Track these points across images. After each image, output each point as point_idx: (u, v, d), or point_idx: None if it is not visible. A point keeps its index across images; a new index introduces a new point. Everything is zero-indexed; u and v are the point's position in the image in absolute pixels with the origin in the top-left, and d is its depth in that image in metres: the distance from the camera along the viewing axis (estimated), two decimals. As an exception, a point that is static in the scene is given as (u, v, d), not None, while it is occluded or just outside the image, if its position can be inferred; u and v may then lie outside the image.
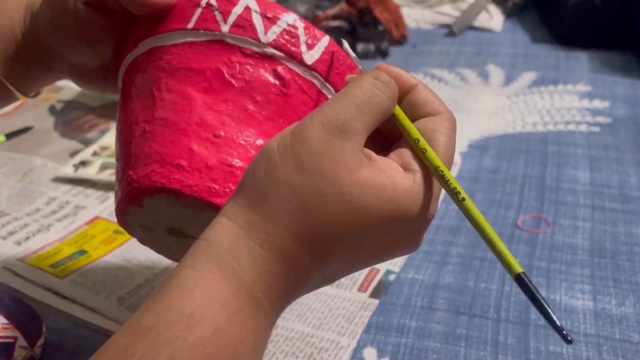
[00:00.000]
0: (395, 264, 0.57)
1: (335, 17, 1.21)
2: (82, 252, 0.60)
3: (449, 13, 1.31)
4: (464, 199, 0.29)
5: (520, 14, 1.33)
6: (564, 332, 0.24)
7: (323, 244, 0.29)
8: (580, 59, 1.08)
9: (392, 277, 0.56)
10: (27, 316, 0.47)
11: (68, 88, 0.98)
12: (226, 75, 0.35)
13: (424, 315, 0.52)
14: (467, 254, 0.59)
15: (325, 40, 0.36)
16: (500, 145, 0.80)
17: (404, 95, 0.32)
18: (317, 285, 0.32)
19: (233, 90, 0.35)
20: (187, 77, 0.35)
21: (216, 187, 0.34)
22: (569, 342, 0.24)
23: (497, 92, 0.96)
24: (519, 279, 0.26)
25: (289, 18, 0.36)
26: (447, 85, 0.99)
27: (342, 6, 1.26)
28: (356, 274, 0.56)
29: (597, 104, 0.91)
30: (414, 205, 0.29)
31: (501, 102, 0.92)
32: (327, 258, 0.29)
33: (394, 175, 0.29)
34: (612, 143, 0.79)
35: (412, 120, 0.32)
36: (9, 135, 0.85)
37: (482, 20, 1.27)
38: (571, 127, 0.84)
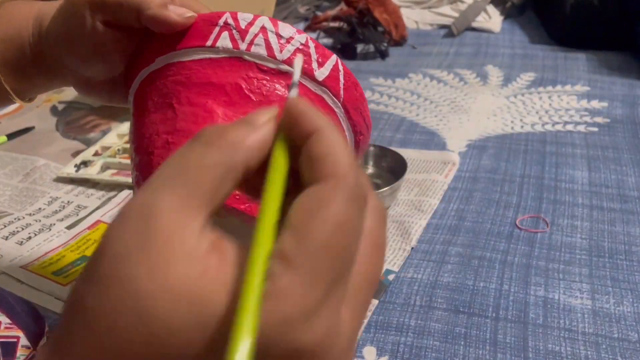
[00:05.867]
0: (394, 264, 0.58)
1: (335, 18, 1.21)
2: (85, 259, 0.60)
3: (448, 14, 1.31)
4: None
5: (519, 14, 1.34)
6: None
7: None
8: (579, 60, 1.08)
9: (391, 277, 0.56)
10: (29, 316, 0.47)
11: (69, 89, 0.99)
12: (245, 90, 0.37)
13: (423, 314, 0.52)
14: (465, 253, 0.59)
15: (334, 58, 0.39)
16: (499, 145, 0.80)
17: (303, 142, 0.22)
18: None
19: (252, 103, 0.37)
20: (207, 91, 0.37)
21: (238, 193, 0.34)
22: None
23: (495, 93, 0.96)
24: None
25: (301, 38, 0.38)
26: (446, 86, 1.00)
27: (341, 7, 1.27)
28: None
29: (595, 104, 0.91)
30: (214, 294, 0.19)
31: (500, 102, 0.93)
32: None
33: (224, 278, 0.20)
34: (610, 143, 0.80)
35: (309, 183, 0.21)
36: (11, 136, 0.85)
37: (480, 21, 1.28)
38: (569, 127, 0.84)
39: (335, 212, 0.20)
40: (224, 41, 0.37)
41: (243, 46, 0.37)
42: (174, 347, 0.19)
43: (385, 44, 1.14)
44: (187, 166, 0.21)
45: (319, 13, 1.32)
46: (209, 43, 0.38)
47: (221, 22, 0.38)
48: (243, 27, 0.38)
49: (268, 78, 0.37)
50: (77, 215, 0.67)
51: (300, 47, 0.38)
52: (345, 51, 1.13)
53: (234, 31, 0.38)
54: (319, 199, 0.20)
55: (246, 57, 0.37)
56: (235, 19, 0.38)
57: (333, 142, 0.21)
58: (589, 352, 0.48)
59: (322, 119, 0.22)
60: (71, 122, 0.90)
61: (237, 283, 0.19)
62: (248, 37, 0.37)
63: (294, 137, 0.22)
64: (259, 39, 0.37)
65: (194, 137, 0.22)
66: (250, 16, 0.38)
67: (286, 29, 0.38)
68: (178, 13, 0.38)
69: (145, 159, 0.38)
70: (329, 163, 0.21)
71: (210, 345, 0.19)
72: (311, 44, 0.38)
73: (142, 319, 0.19)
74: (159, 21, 0.38)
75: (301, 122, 0.22)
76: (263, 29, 0.38)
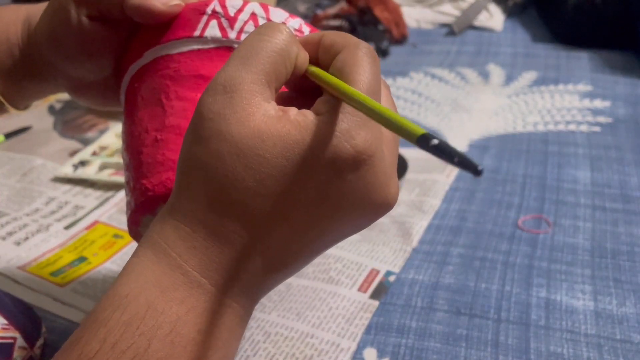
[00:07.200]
0: (395, 265, 0.57)
1: (336, 16, 1.21)
2: (82, 259, 0.60)
3: (449, 12, 1.30)
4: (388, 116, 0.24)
5: (521, 13, 1.33)
6: (478, 167, 0.20)
7: (238, 206, 0.27)
8: (581, 59, 1.08)
9: (392, 279, 0.56)
10: (26, 317, 0.47)
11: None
12: None
13: (425, 316, 0.51)
14: (467, 254, 0.59)
15: None
16: (501, 145, 0.80)
17: (316, 50, 0.31)
18: (277, 265, 0.29)
19: None
20: (196, 84, 0.36)
21: None
22: (478, 172, 0.20)
23: (497, 92, 0.96)
24: (422, 141, 0.21)
25: (295, 23, 0.36)
26: (448, 85, 0.99)
27: (342, 5, 1.26)
28: (355, 274, 0.56)
29: (598, 103, 0.90)
30: (313, 139, 0.27)
31: (501, 101, 0.92)
32: (254, 221, 0.27)
33: (297, 119, 0.27)
34: (613, 143, 0.79)
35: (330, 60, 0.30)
36: (8, 135, 0.85)
37: (482, 19, 1.27)
38: (572, 127, 0.84)
39: (367, 65, 0.28)
40: (213, 30, 0.36)
41: (232, 35, 0.36)
42: (265, 170, 0.26)
43: (386, 43, 1.14)
44: (258, 49, 0.28)
45: (319, 11, 1.32)
46: (196, 33, 0.36)
47: (209, 10, 0.36)
48: (232, 15, 0.36)
49: None
50: (75, 215, 0.67)
51: (294, 32, 0.36)
52: (346, 50, 1.13)
53: (222, 19, 0.36)
54: (351, 57, 0.28)
55: (236, 46, 0.36)
56: (223, 6, 0.36)
57: (335, 33, 0.30)
58: (591, 354, 0.47)
59: (319, 33, 0.31)
60: (69, 122, 0.89)
61: (300, 126, 0.27)
62: (237, 25, 0.36)
63: (311, 47, 0.30)
64: (249, 26, 0.36)
65: (260, 28, 0.29)
66: (239, 2, 0.36)
67: (277, 14, 0.36)
68: (163, 2, 0.36)
69: (135, 158, 0.37)
70: (342, 41, 0.29)
71: (291, 164, 0.27)
72: (306, 29, 0.36)
73: (239, 154, 0.26)
74: (143, 11, 0.36)
75: (309, 39, 0.31)
76: (253, 15, 0.36)
